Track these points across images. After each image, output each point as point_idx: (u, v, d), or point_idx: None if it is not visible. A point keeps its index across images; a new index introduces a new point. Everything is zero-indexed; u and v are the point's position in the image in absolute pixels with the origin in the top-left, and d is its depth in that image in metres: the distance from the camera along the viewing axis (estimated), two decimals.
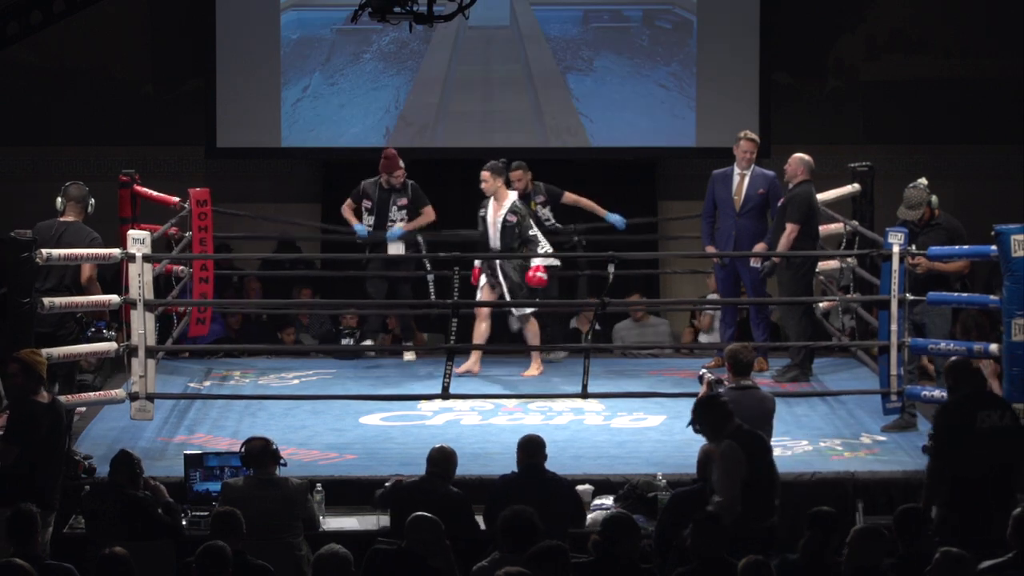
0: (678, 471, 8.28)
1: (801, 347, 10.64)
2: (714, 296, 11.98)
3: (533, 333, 11.01)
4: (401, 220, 11.49)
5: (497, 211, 10.94)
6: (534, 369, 11.02)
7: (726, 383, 8.18)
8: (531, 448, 7.84)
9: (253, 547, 6.88)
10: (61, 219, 9.31)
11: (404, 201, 11.49)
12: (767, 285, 11.28)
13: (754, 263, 10.84)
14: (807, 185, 10.74)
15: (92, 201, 9.38)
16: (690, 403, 9.75)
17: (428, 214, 11.57)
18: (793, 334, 10.78)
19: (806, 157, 10.81)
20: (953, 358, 8.18)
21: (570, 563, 6.40)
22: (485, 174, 10.97)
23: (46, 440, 7.73)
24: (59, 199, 9.38)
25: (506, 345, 12.06)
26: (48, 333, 9.00)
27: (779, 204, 10.76)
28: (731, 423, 7.49)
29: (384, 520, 7.92)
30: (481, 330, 11.04)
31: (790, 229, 10.61)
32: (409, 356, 11.57)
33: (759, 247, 10.85)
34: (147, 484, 7.81)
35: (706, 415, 7.58)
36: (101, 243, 9.31)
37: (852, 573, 6.61)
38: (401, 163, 11.55)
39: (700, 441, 7.80)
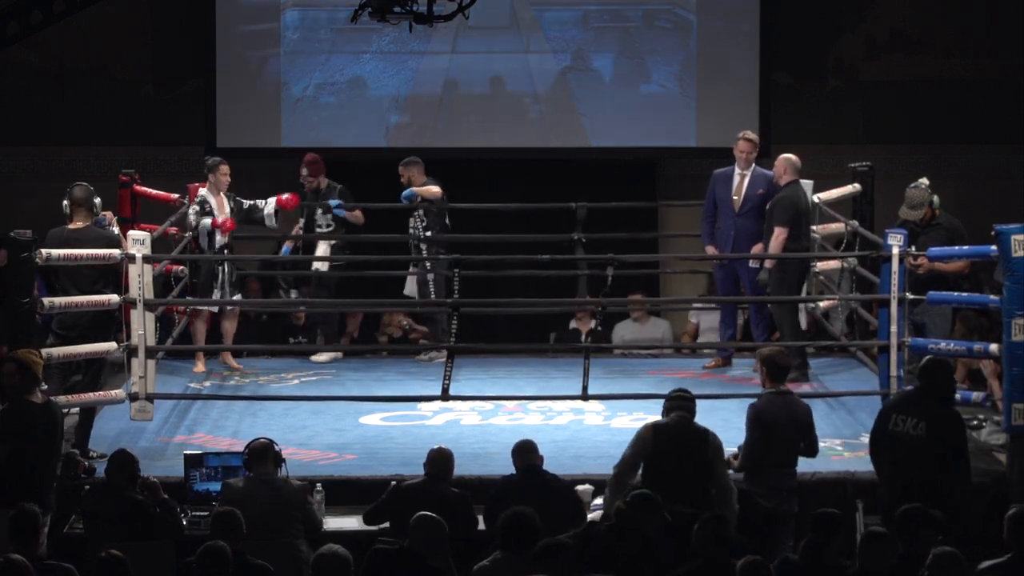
0: None
1: (796, 347, 10.59)
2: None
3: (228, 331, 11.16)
4: (328, 226, 11.60)
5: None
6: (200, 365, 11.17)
7: (764, 388, 8.24)
8: (525, 451, 7.86)
9: (253, 547, 6.88)
10: (70, 226, 9.20)
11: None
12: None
13: (753, 264, 10.84)
14: (794, 186, 10.74)
15: (98, 200, 9.33)
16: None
17: (358, 217, 11.74)
18: (789, 336, 10.75)
19: (792, 157, 10.82)
20: (928, 356, 8.20)
21: (575, 560, 6.42)
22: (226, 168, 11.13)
23: (41, 441, 7.74)
24: (64, 203, 9.31)
25: (506, 345, 12.06)
26: (88, 335, 9.01)
27: (767, 207, 10.77)
28: (672, 414, 7.79)
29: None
30: (227, 328, 11.14)
31: (778, 232, 10.61)
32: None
33: (758, 248, 10.86)
34: (143, 482, 7.81)
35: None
36: (119, 243, 9.31)
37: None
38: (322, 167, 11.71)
39: None
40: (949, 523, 7.01)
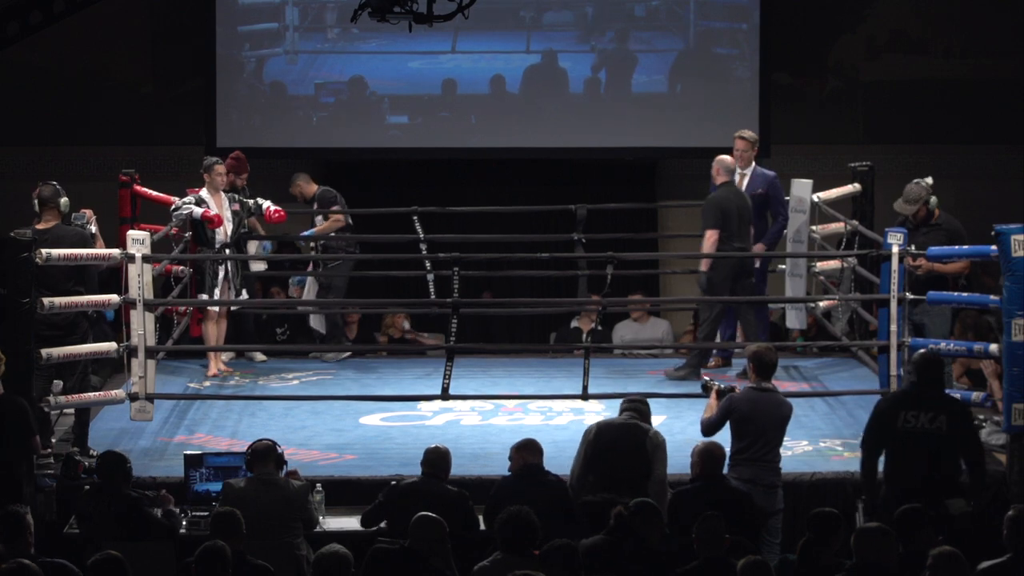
0: (679, 471, 8.26)
1: (703, 349, 10.72)
2: None
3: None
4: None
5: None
6: (212, 368, 11.07)
7: (742, 385, 8.28)
8: (527, 450, 7.88)
9: (253, 547, 6.88)
10: (38, 226, 9.15)
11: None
12: (767, 284, 11.28)
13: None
14: (724, 188, 10.76)
15: (63, 201, 9.19)
16: (690, 403, 9.83)
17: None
18: (702, 332, 10.80)
19: (726, 159, 10.85)
20: (920, 351, 8.25)
21: (579, 561, 6.43)
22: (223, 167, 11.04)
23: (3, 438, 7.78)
24: (35, 201, 9.29)
25: (506, 345, 12.06)
26: (60, 335, 9.00)
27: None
28: (623, 414, 8.11)
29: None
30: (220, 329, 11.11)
31: (708, 235, 10.63)
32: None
33: (757, 248, 10.87)
34: (156, 495, 7.85)
35: None
36: (90, 242, 9.29)
37: (858, 571, 6.60)
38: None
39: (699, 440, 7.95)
40: (977, 511, 7.13)
